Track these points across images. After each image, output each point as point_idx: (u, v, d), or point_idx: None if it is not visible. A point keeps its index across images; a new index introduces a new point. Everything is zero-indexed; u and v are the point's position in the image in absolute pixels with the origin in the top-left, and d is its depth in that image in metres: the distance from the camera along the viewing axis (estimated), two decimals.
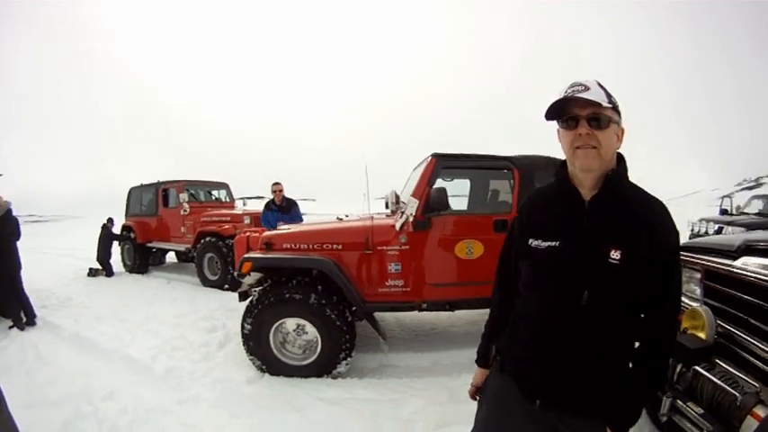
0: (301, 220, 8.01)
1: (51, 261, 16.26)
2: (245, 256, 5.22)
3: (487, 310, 2.18)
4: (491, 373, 2.01)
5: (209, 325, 6.92)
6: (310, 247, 5.05)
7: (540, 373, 1.72)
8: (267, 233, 5.57)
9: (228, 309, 7.73)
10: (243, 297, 5.48)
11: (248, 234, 6.23)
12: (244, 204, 13.23)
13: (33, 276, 11.92)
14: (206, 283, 10.31)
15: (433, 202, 4.75)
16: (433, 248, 4.98)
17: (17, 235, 7.38)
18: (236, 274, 5.47)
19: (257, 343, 4.89)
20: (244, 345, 4.95)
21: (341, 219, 6.00)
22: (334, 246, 5.02)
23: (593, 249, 1.60)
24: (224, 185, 13.46)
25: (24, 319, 7.28)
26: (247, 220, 10.59)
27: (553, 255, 1.68)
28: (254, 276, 5.31)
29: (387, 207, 5.63)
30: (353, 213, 6.26)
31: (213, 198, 12.94)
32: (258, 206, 11.31)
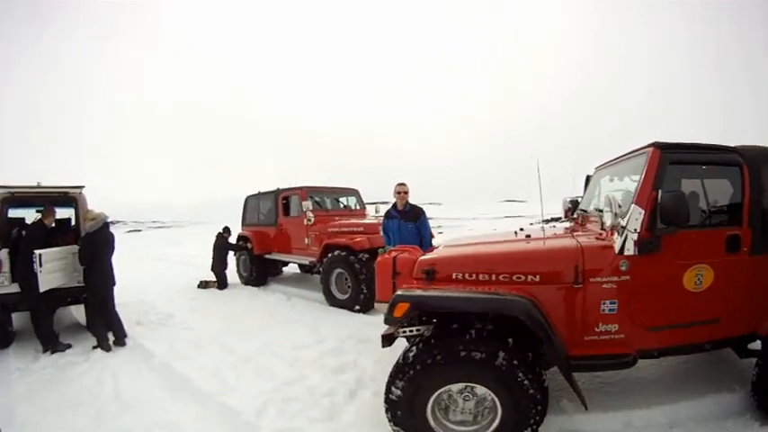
0: (429, 232, 7.02)
1: (164, 269, 16.14)
2: (400, 293, 3.87)
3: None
4: None
5: (336, 363, 5.55)
6: (493, 278, 3.86)
7: None
8: (427, 257, 4.33)
9: (361, 339, 6.41)
10: (388, 341, 4.17)
11: (395, 254, 4.73)
12: (376, 212, 11.73)
13: (139, 286, 11.57)
14: (333, 302, 9.07)
15: (668, 213, 3.52)
16: (659, 278, 3.77)
17: (112, 249, 7.10)
18: (384, 315, 3.92)
19: (408, 413, 3.70)
20: (388, 412, 3.77)
21: (519, 232, 4.92)
22: (529, 277, 3.79)
23: None
24: (353, 191, 12.13)
25: (112, 339, 6.85)
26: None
27: None
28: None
29: (565, 216, 5.18)
30: (524, 225, 4.75)
31: (341, 206, 11.65)
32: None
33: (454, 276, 3.92)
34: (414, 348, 3.64)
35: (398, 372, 3.61)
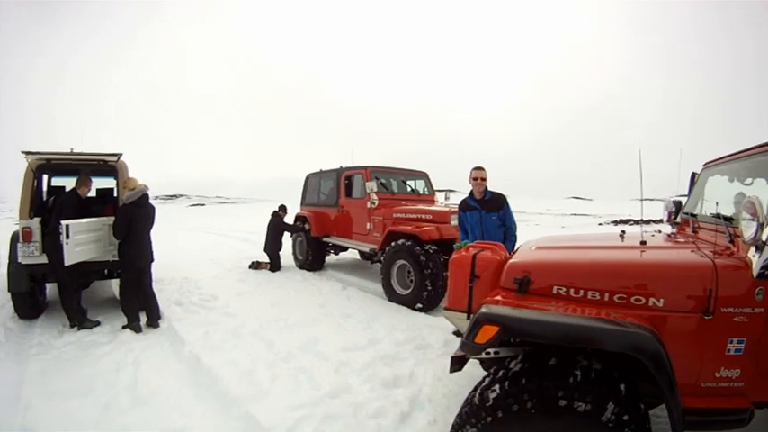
0: (514, 225, 6.07)
1: (219, 244, 15.84)
2: (486, 311, 2.92)
3: None
4: None
5: (389, 373, 4.78)
6: (606, 297, 2.95)
7: None
8: (520, 260, 3.44)
9: (420, 345, 5.65)
10: (458, 365, 3.44)
11: (475, 252, 3.90)
12: (446, 198, 10.88)
13: (189, 261, 11.45)
14: (392, 297, 8.20)
15: None
16: None
17: (151, 223, 6.78)
18: (454, 330, 3.12)
19: None
20: None
21: (624, 235, 4.10)
22: (651, 300, 2.88)
23: None
24: (422, 174, 11.28)
25: (145, 320, 6.53)
26: (455, 221, 8.03)
27: None
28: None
29: (669, 220, 4.61)
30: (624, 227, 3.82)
31: (408, 190, 10.81)
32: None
33: (555, 291, 3.06)
34: (495, 387, 2.76)
35: (472, 414, 2.76)
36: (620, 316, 2.77)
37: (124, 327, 6.25)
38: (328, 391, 4.33)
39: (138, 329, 6.17)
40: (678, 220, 4.68)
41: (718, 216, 3.52)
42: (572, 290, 3.01)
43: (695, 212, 4.35)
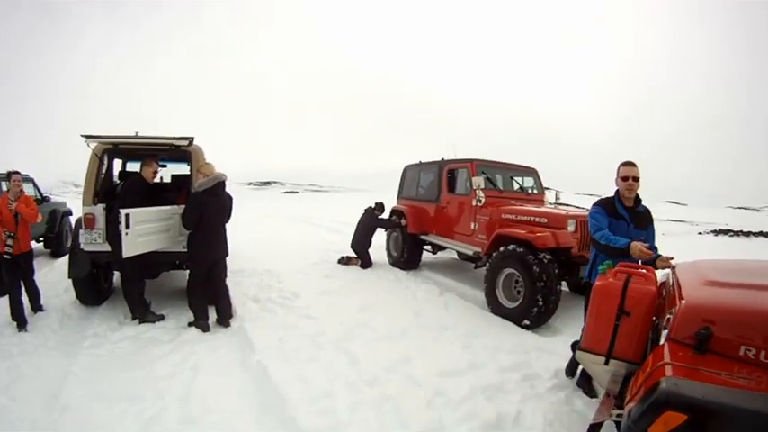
0: (656, 252, 4.13)
1: (309, 234, 15.38)
2: (669, 387, 2.13)
3: None
4: None
5: (491, 411, 3.95)
6: None
7: None
8: (698, 301, 2.64)
9: (529, 375, 4.79)
10: None
11: (625, 279, 3.04)
12: (557, 198, 9.88)
13: (274, 251, 11.01)
14: (496, 309, 7.16)
15: None
16: None
17: (228, 214, 6.35)
18: (629, 423, 2.23)
19: None
20: None
21: None
22: None
23: None
24: (531, 170, 10.10)
25: (215, 317, 6.07)
26: (572, 226, 7.16)
27: None
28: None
29: None
30: None
31: (516, 187, 9.61)
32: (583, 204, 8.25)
33: (742, 352, 2.26)
34: None
35: None
36: None
37: (190, 324, 5.79)
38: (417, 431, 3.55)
39: (205, 328, 5.68)
40: None
41: None
42: (763, 353, 2.22)
43: None
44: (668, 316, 2.67)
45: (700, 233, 27.45)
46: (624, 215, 4.36)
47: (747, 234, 25.44)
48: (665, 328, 2.59)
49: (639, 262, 3.71)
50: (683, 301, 2.54)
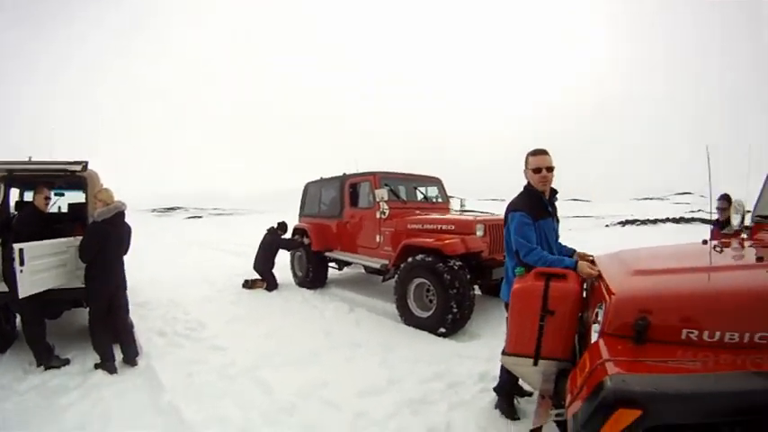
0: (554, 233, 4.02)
1: (213, 259, 15.03)
2: (615, 384, 2.02)
3: None
4: None
5: (420, 427, 3.90)
6: (746, 339, 2.19)
7: None
8: (630, 292, 2.56)
9: (452, 383, 4.76)
10: None
11: (561, 281, 2.98)
12: (462, 205, 10.21)
13: (178, 280, 10.58)
14: (409, 320, 7.13)
15: None
16: None
17: (126, 246, 5.91)
18: (578, 427, 2.13)
19: None
20: None
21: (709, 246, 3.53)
22: None
23: None
24: (435, 180, 10.21)
25: (121, 357, 5.63)
26: (480, 231, 7.32)
27: None
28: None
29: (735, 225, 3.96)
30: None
31: (420, 197, 9.67)
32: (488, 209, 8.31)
33: (684, 336, 2.22)
34: None
35: None
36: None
37: (96, 366, 5.34)
38: None
39: (112, 370, 5.27)
40: (745, 224, 4.07)
41: None
42: (706, 333, 2.18)
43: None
44: (597, 310, 2.64)
45: (607, 225, 28.59)
46: (550, 210, 3.95)
47: (654, 221, 26.71)
48: (596, 323, 2.57)
49: None
50: (614, 295, 2.49)
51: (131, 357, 5.54)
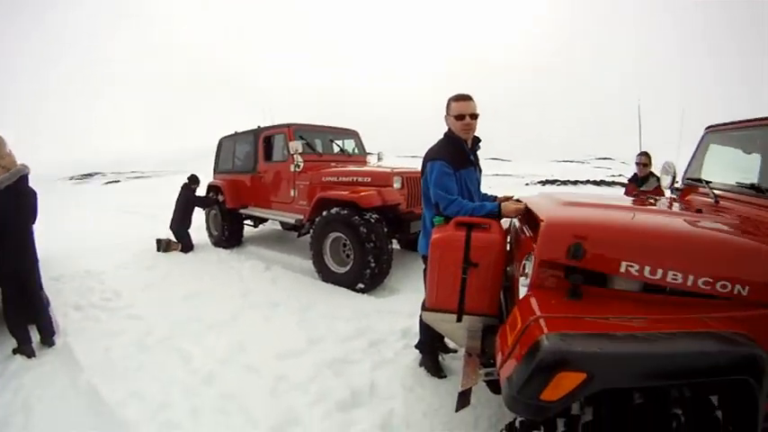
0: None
1: (129, 224, 14.46)
2: (554, 344, 1.87)
3: None
4: None
5: (343, 388, 3.87)
6: (689, 281, 2.18)
7: None
8: (568, 220, 2.55)
9: (374, 341, 4.81)
10: (465, 401, 2.68)
11: (483, 231, 2.91)
12: (379, 159, 10.14)
13: (93, 248, 10.00)
14: (326, 276, 7.13)
15: None
16: None
17: (33, 214, 5.10)
18: (514, 394, 2.04)
19: None
20: None
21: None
22: (737, 287, 2.14)
23: None
24: (352, 133, 10.09)
25: (39, 337, 5.20)
26: (398, 183, 7.19)
27: None
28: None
29: (670, 187, 4.09)
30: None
31: (336, 150, 9.58)
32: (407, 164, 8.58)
33: (624, 268, 2.19)
34: None
35: None
36: (713, 322, 2.01)
37: (14, 351, 4.94)
38: (269, 429, 3.36)
39: (30, 353, 4.91)
40: (676, 186, 4.21)
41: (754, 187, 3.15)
42: (647, 269, 2.16)
43: (697, 176, 3.97)
44: (525, 262, 2.57)
45: (527, 184, 29.11)
46: (473, 159, 3.72)
47: (575, 182, 27.39)
48: (523, 276, 2.50)
49: None
50: (546, 220, 2.40)
51: (48, 337, 5.22)
